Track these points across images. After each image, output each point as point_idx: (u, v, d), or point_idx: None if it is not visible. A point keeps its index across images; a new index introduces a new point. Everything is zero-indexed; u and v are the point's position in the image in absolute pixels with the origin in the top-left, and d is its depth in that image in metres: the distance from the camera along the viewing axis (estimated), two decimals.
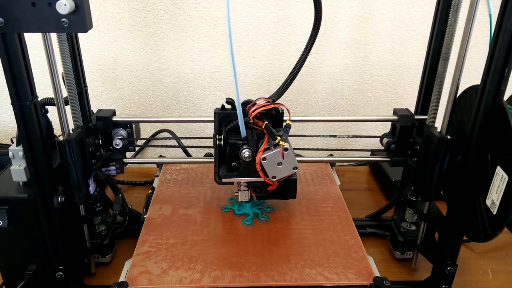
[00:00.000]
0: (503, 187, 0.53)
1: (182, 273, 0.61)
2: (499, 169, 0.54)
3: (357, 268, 0.63)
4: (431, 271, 0.67)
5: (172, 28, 0.99)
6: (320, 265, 0.63)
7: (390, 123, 0.73)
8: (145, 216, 0.74)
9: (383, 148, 0.74)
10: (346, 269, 0.62)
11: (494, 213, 0.55)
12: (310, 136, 0.84)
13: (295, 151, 0.69)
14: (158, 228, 0.71)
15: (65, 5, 0.43)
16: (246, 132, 0.63)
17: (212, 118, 0.68)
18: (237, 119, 0.62)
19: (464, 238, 0.62)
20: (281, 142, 0.61)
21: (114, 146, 0.70)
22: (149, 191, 0.83)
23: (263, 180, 0.66)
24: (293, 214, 0.75)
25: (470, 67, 0.60)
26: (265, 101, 0.64)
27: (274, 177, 0.65)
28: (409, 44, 1.04)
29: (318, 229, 0.71)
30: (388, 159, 0.73)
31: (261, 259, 0.64)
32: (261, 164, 0.64)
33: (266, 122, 0.63)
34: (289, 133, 0.64)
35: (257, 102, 0.64)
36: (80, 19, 0.45)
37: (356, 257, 0.65)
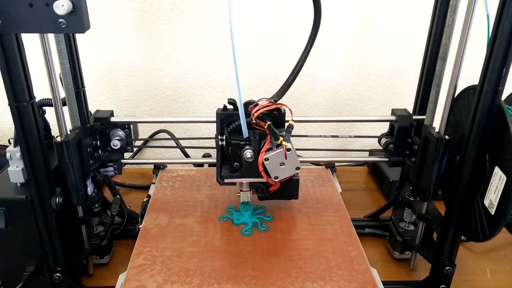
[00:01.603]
0: (501, 188, 0.53)
1: None
2: (497, 170, 0.54)
3: (360, 281, 0.61)
4: (429, 271, 0.67)
5: (170, 28, 0.99)
6: (322, 278, 0.61)
7: (388, 123, 0.73)
8: (140, 226, 0.72)
9: (381, 148, 0.74)
10: (349, 282, 0.60)
11: (492, 213, 0.55)
12: (308, 136, 0.84)
13: None
14: (154, 239, 0.69)
15: (62, 5, 0.43)
16: (248, 132, 0.63)
17: (211, 119, 0.68)
18: (239, 119, 0.62)
19: (463, 238, 0.62)
20: (283, 143, 0.61)
21: (112, 147, 0.70)
22: (145, 199, 0.81)
23: (266, 181, 0.66)
24: (293, 224, 0.73)
25: (468, 67, 0.60)
26: (267, 102, 0.64)
27: (276, 177, 0.65)
28: (407, 44, 1.04)
29: (320, 239, 0.69)
30: (387, 159, 0.73)
31: (260, 272, 0.62)
32: (263, 165, 0.63)
33: (269, 122, 0.63)
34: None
35: (259, 102, 0.64)
36: (78, 19, 0.45)
37: (359, 269, 0.63)
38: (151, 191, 0.83)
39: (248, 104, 0.64)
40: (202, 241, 0.69)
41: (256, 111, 0.62)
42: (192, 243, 0.68)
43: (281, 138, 0.61)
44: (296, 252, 0.67)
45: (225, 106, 0.67)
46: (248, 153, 0.63)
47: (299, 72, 0.66)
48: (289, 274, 0.62)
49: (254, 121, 0.64)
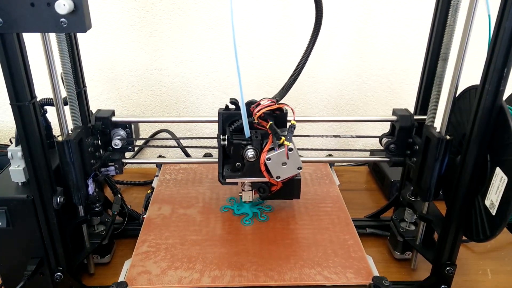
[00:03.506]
0: (503, 188, 0.53)
1: (182, 273, 0.61)
2: (498, 170, 0.54)
3: (356, 267, 0.63)
4: (430, 271, 0.67)
5: (171, 28, 0.99)
6: (319, 264, 0.63)
7: (389, 123, 0.73)
8: (144, 216, 0.74)
9: (382, 148, 0.74)
10: (346, 268, 0.63)
11: (494, 213, 0.55)
12: (309, 136, 0.84)
13: None
14: (158, 228, 0.71)
15: (64, 5, 0.43)
16: (250, 132, 0.63)
17: (211, 118, 0.68)
18: (241, 119, 0.62)
19: (463, 238, 0.62)
20: (286, 142, 0.61)
21: (113, 146, 0.70)
22: (148, 191, 0.83)
23: (268, 180, 0.66)
24: (292, 214, 0.75)
25: (469, 67, 0.60)
26: (270, 101, 0.64)
27: (278, 177, 0.65)
28: (408, 44, 1.04)
29: (318, 229, 0.71)
30: (388, 159, 0.73)
31: (260, 259, 0.64)
32: (265, 164, 0.63)
33: (271, 122, 0.63)
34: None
35: (261, 102, 0.64)
36: (79, 19, 0.45)
37: (355, 256, 0.65)
38: (154, 183, 0.85)
39: (250, 104, 0.64)
40: (204, 230, 0.71)
41: (258, 111, 0.62)
42: (195, 232, 0.70)
43: (283, 138, 0.61)
44: (294, 240, 0.68)
45: (227, 106, 0.67)
46: (250, 153, 0.63)
47: (300, 72, 0.66)
48: (287, 261, 0.64)
49: (256, 121, 0.64)
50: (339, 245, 0.67)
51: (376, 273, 0.62)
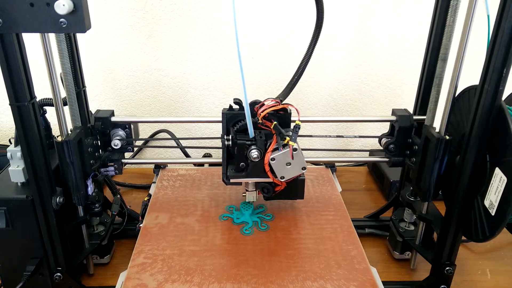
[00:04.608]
0: (502, 189, 0.53)
1: (179, 286, 0.60)
2: (497, 171, 0.54)
3: (360, 280, 0.61)
4: (429, 271, 0.67)
5: (171, 28, 0.99)
6: (322, 277, 0.61)
7: (388, 123, 0.74)
8: (141, 225, 0.72)
9: (381, 148, 0.74)
10: (349, 281, 0.61)
11: (493, 214, 0.55)
12: (309, 136, 0.84)
13: None
14: (154, 238, 0.69)
15: (63, 5, 0.43)
16: (254, 132, 0.63)
17: (211, 119, 0.68)
18: (245, 119, 0.62)
19: (463, 238, 0.62)
20: (290, 142, 0.61)
21: (113, 146, 0.70)
22: (146, 198, 0.81)
23: (272, 181, 0.66)
24: (293, 223, 0.73)
25: (469, 67, 0.60)
26: (274, 102, 0.63)
27: (282, 177, 0.65)
28: (408, 44, 1.04)
29: (320, 238, 0.69)
30: (387, 160, 0.73)
31: (261, 271, 0.62)
32: (269, 165, 0.63)
33: (275, 122, 0.63)
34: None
35: (265, 102, 0.64)
36: (79, 19, 0.45)
37: (359, 268, 0.63)
38: (151, 190, 0.83)
39: (254, 104, 0.64)
40: (203, 240, 0.69)
41: (262, 111, 0.62)
42: (193, 242, 0.68)
43: (287, 138, 0.61)
44: (296, 251, 0.67)
45: (230, 106, 0.67)
46: (254, 153, 0.63)
47: (303, 71, 0.66)
48: (289, 273, 0.62)
49: (260, 121, 0.64)
50: (342, 256, 0.65)
51: (381, 286, 0.60)
